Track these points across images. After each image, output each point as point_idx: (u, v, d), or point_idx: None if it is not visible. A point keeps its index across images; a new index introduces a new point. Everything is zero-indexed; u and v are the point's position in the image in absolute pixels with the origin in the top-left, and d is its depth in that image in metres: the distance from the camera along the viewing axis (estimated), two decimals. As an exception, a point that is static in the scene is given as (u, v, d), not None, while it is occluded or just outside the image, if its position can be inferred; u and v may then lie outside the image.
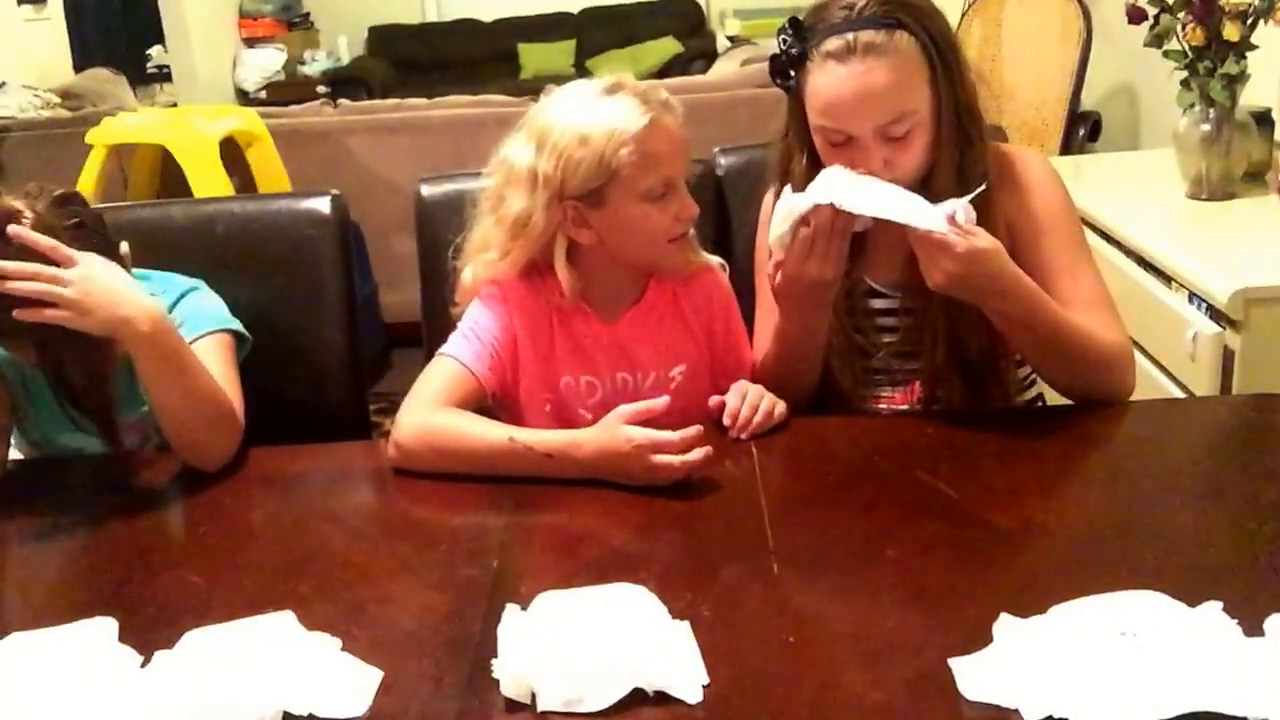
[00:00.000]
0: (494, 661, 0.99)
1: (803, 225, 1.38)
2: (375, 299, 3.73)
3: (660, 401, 1.34)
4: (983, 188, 1.37)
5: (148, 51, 6.93)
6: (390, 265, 3.64)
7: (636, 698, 0.95)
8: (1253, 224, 2.33)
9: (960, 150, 1.45)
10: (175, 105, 5.83)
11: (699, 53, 6.81)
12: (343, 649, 1.04)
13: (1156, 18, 2.36)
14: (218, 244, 1.76)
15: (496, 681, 0.97)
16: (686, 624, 1.03)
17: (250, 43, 7.14)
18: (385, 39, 7.40)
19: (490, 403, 1.53)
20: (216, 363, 1.50)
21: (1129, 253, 2.28)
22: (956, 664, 0.96)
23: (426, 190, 1.82)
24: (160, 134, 3.73)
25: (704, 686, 0.96)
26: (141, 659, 1.04)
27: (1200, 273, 2.02)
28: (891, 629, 1.05)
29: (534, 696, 0.96)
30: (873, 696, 0.95)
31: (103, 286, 1.35)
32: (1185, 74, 2.37)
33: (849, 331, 1.54)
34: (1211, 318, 1.98)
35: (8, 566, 1.33)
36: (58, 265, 1.33)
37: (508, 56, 7.26)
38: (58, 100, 4.98)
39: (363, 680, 1.00)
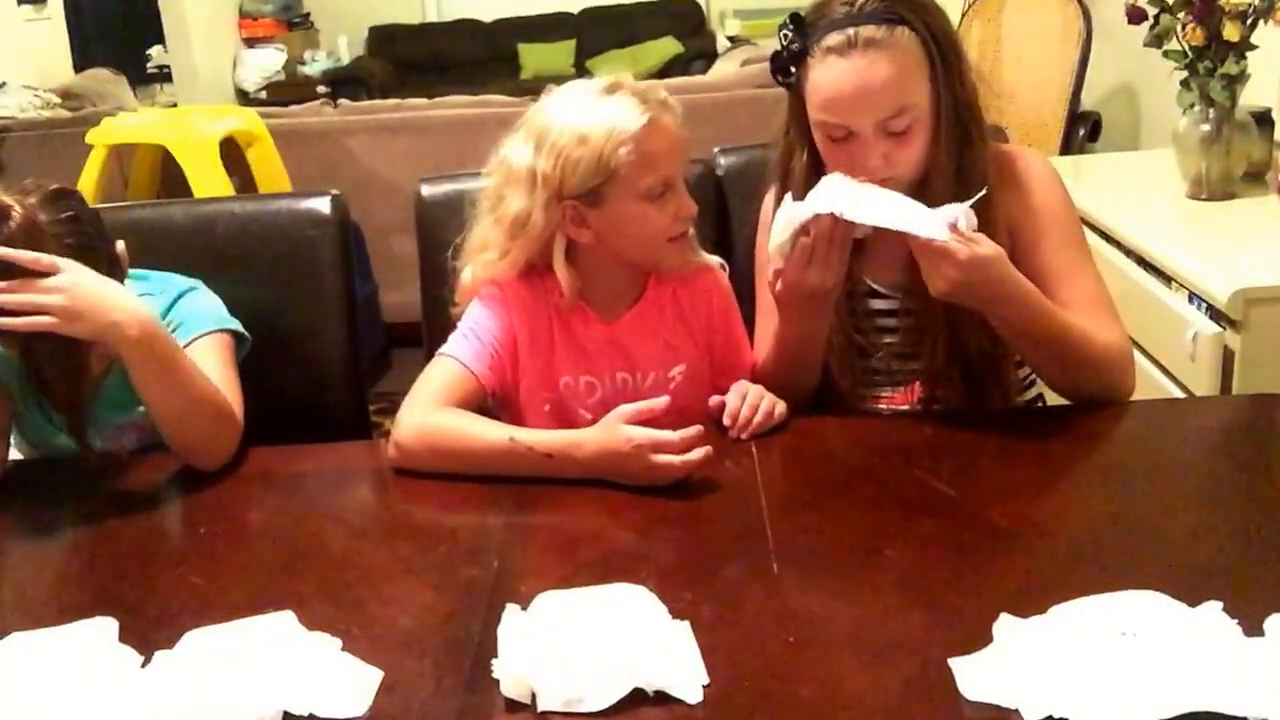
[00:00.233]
0: (494, 661, 0.99)
1: (802, 234, 1.38)
2: (375, 299, 3.73)
3: (660, 401, 1.34)
4: (983, 193, 1.37)
5: (148, 51, 6.93)
6: (390, 265, 3.64)
7: (636, 698, 0.95)
8: (1253, 224, 2.33)
9: (960, 149, 1.45)
10: (175, 105, 5.84)
11: (699, 53, 6.82)
12: (343, 649, 1.04)
13: (1156, 18, 2.36)
14: (218, 244, 1.76)
15: (496, 681, 0.97)
16: (686, 624, 1.03)
17: (250, 43, 7.14)
18: (385, 39, 7.40)
19: (490, 403, 1.53)
20: (215, 363, 1.50)
21: (1129, 253, 2.28)
22: (956, 664, 0.96)
23: (426, 190, 1.82)
24: (160, 134, 3.73)
25: (704, 686, 0.96)
26: (141, 659, 1.04)
27: (1200, 273, 2.02)
28: (891, 629, 1.05)
29: (534, 696, 0.96)
30: (873, 696, 0.95)
31: (91, 292, 1.35)
32: (1185, 74, 2.37)
33: (849, 332, 1.54)
34: (1211, 318, 1.98)
35: (8, 566, 1.33)
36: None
37: (508, 56, 7.27)
38: (58, 100, 4.98)
39: (363, 680, 1.00)
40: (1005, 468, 1.36)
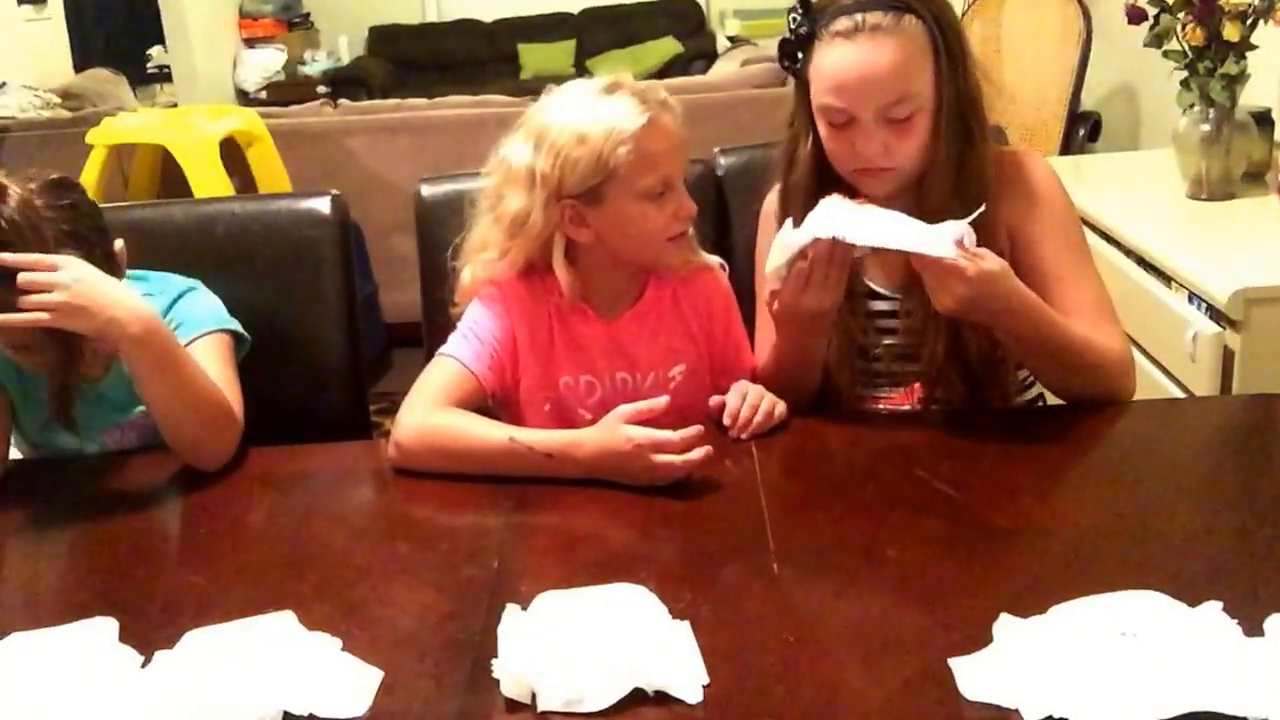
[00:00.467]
0: (494, 661, 0.99)
1: (800, 258, 1.38)
2: (375, 299, 3.73)
3: (660, 401, 1.34)
4: (981, 209, 1.37)
5: (148, 51, 6.93)
6: (390, 265, 3.64)
7: (636, 698, 0.95)
8: (1253, 224, 2.33)
9: (960, 147, 1.46)
10: (175, 105, 5.83)
11: (699, 53, 6.82)
12: (343, 649, 1.04)
13: (1156, 18, 2.36)
14: (218, 244, 1.76)
15: (496, 681, 0.97)
16: (686, 624, 1.03)
17: (250, 43, 7.14)
18: (385, 39, 7.40)
19: (490, 403, 1.53)
20: (214, 363, 1.50)
21: (1129, 253, 2.28)
22: (956, 664, 0.96)
23: (426, 190, 1.82)
24: (160, 134, 3.73)
25: (704, 686, 0.96)
26: (142, 659, 1.04)
27: (1200, 273, 2.02)
28: (891, 629, 1.05)
29: (534, 696, 0.96)
30: (873, 696, 0.95)
31: (93, 289, 1.35)
32: (1185, 74, 2.37)
33: (849, 332, 1.54)
34: (1211, 318, 1.98)
35: (8, 566, 1.33)
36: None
37: (508, 56, 7.26)
38: (58, 100, 4.98)
39: (363, 680, 1.00)
40: (1005, 468, 1.36)
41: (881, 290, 1.56)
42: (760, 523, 1.24)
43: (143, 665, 1.03)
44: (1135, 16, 2.41)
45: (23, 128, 4.23)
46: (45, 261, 1.33)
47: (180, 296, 1.57)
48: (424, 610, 1.12)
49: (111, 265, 1.45)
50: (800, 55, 1.45)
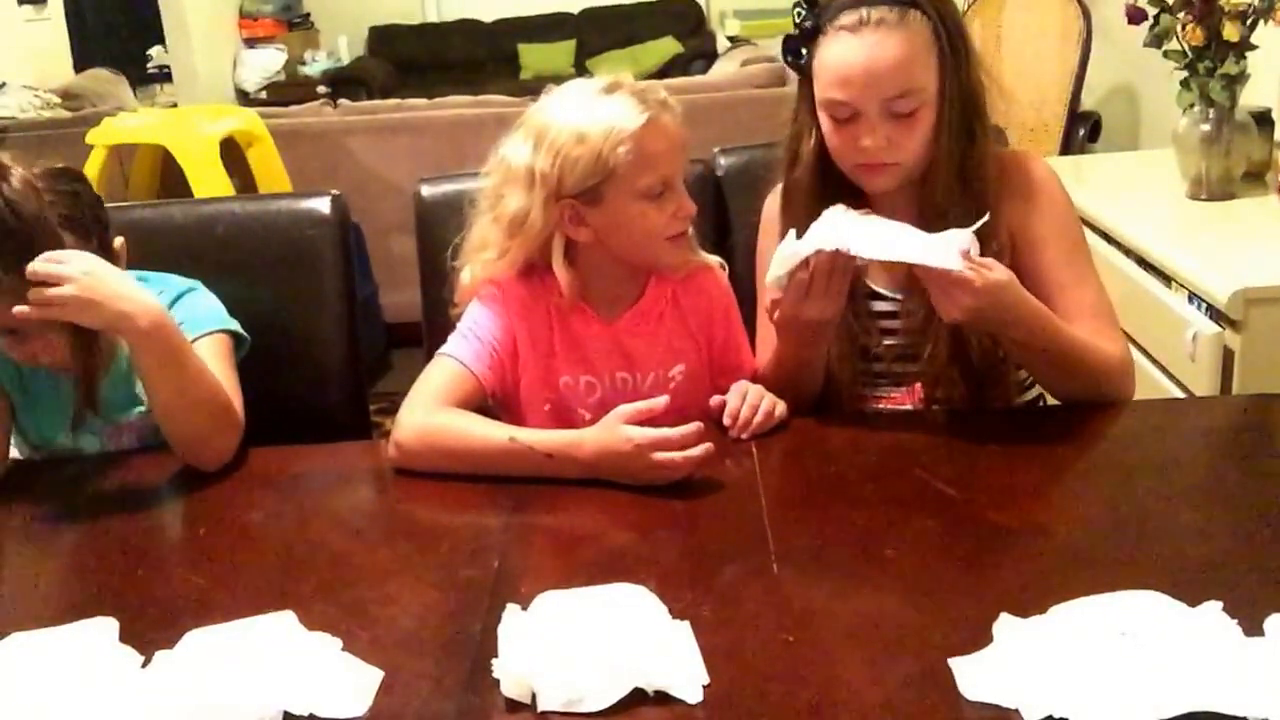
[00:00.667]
0: (494, 661, 0.99)
1: (800, 269, 1.38)
2: (375, 299, 3.73)
3: (660, 401, 1.34)
4: (986, 218, 1.37)
5: (148, 51, 6.93)
6: (390, 265, 3.65)
7: (636, 698, 0.95)
8: (1253, 224, 2.33)
9: (962, 144, 1.46)
10: (175, 105, 5.83)
11: (699, 53, 6.81)
12: (343, 649, 1.04)
13: (1156, 18, 2.36)
14: (218, 244, 1.76)
15: (496, 681, 0.97)
16: (686, 624, 1.03)
17: (250, 43, 7.14)
18: (385, 39, 7.40)
19: (490, 403, 1.53)
20: (215, 363, 1.50)
21: (1129, 253, 2.28)
22: (956, 664, 0.96)
23: (426, 190, 1.82)
24: (160, 134, 3.74)
25: (704, 686, 0.96)
26: (142, 659, 1.04)
27: (1200, 273, 2.02)
28: (891, 629, 1.05)
29: (534, 696, 0.96)
30: (873, 696, 0.95)
31: (103, 282, 1.35)
32: (1185, 74, 2.37)
33: (851, 333, 1.54)
34: (1211, 318, 1.98)
35: (8, 566, 1.33)
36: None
37: (508, 56, 7.26)
38: (58, 100, 4.99)
39: (363, 680, 1.00)
40: (1005, 468, 1.36)
41: (883, 291, 1.56)
42: (760, 523, 1.24)
43: (143, 665, 1.03)
44: (1135, 16, 2.41)
45: (23, 128, 4.24)
46: (57, 256, 1.34)
47: (180, 297, 1.57)
48: (424, 610, 1.12)
49: (110, 259, 1.45)
50: (804, 51, 1.46)
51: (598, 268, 1.52)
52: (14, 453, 1.58)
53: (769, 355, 1.55)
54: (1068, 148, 3.75)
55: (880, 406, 1.58)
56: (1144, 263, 2.21)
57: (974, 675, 0.95)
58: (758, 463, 1.38)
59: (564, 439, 1.36)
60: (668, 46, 7.02)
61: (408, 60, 7.23)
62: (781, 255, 1.39)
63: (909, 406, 1.56)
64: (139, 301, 1.38)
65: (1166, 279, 2.13)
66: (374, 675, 1.00)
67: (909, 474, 1.33)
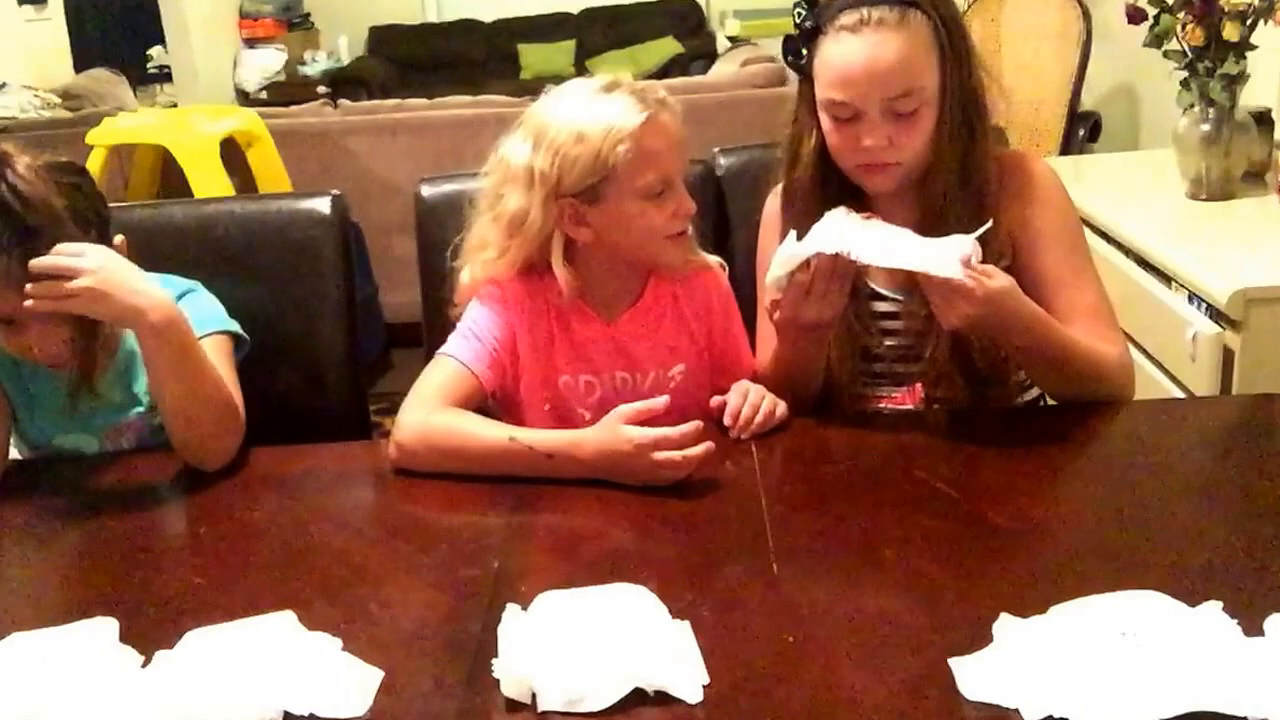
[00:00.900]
0: (494, 661, 0.99)
1: (801, 270, 1.38)
2: (375, 299, 3.73)
3: (660, 401, 1.34)
4: (988, 225, 1.38)
5: (148, 52, 6.93)
6: (390, 265, 3.64)
7: (636, 698, 0.95)
8: (1253, 224, 2.33)
9: (963, 144, 1.46)
10: (175, 105, 5.83)
11: (699, 53, 6.81)
12: (343, 649, 1.04)
13: (1156, 18, 2.36)
14: (218, 244, 1.76)
15: (496, 681, 0.97)
16: (686, 624, 1.03)
17: (250, 43, 7.13)
18: (385, 39, 7.40)
19: (490, 402, 1.53)
20: (215, 364, 1.50)
21: (1129, 253, 2.28)
22: (956, 664, 0.96)
23: (426, 190, 1.82)
24: (160, 134, 3.74)
25: (704, 686, 0.96)
26: (142, 659, 1.04)
27: (1200, 273, 2.02)
28: (891, 629, 1.05)
29: (534, 696, 0.96)
30: (872, 696, 0.95)
31: (116, 275, 1.36)
32: (1185, 74, 2.37)
33: (853, 332, 1.54)
34: (1211, 318, 1.98)
35: (8, 566, 1.33)
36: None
37: (508, 56, 7.26)
38: (58, 100, 4.99)
39: (363, 680, 1.00)
40: (1005, 468, 1.36)
41: (884, 291, 1.56)
42: (760, 523, 1.24)
43: (143, 665, 1.03)
44: (1135, 16, 2.41)
45: (23, 128, 4.24)
46: (70, 248, 1.34)
47: (180, 297, 1.57)
48: (424, 610, 1.12)
49: None
50: (805, 51, 1.46)
51: (597, 267, 1.52)
52: (14, 453, 1.58)
53: (769, 355, 1.55)
54: (1068, 148, 3.75)
55: (881, 406, 1.58)
56: (1144, 263, 2.21)
57: (974, 675, 0.95)
58: (758, 463, 1.38)
59: (564, 439, 1.36)
60: (668, 46, 7.02)
61: (408, 60, 7.22)
62: (782, 256, 1.39)
63: (909, 406, 1.56)
64: (151, 296, 1.39)
65: (1166, 279, 2.13)
66: (374, 675, 1.00)
67: (909, 474, 1.33)
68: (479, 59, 7.24)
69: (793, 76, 1.52)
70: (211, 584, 1.20)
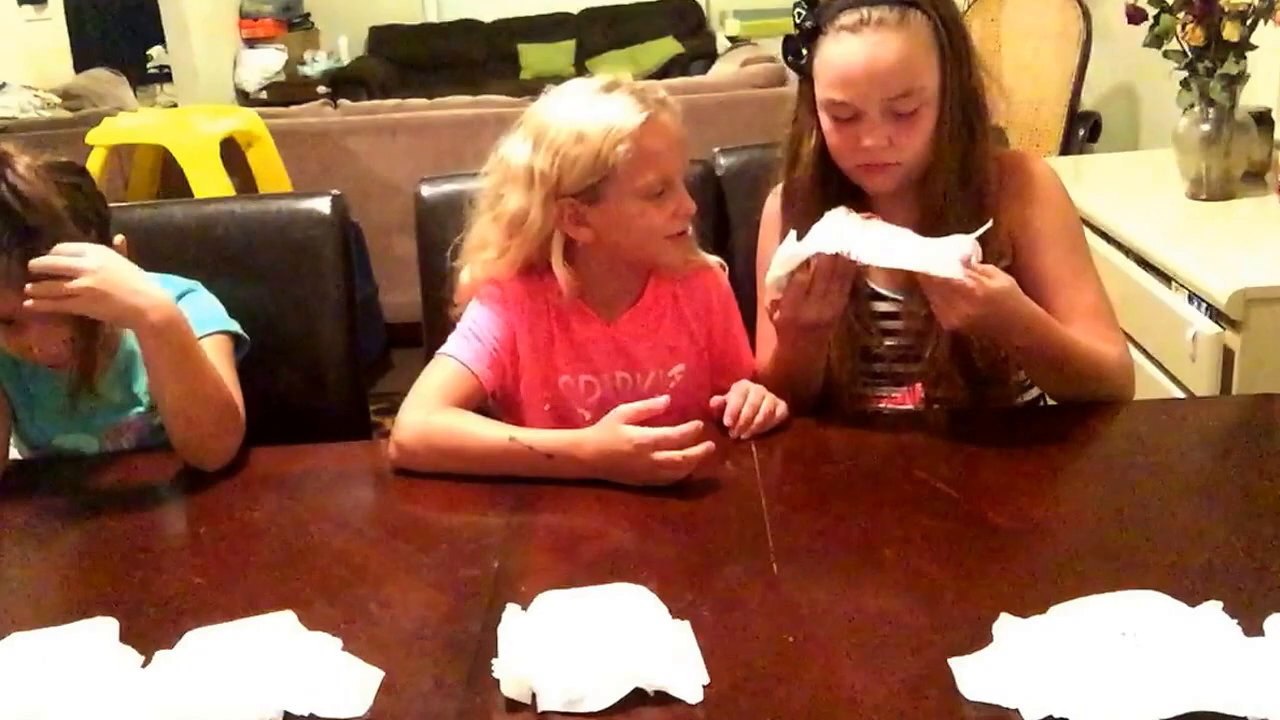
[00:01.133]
0: (494, 661, 0.99)
1: (801, 270, 1.38)
2: (375, 299, 3.73)
3: (660, 401, 1.34)
4: (988, 225, 1.38)
5: (148, 52, 6.93)
6: (390, 265, 3.64)
7: (636, 698, 0.95)
8: (1253, 224, 2.33)
9: (963, 144, 1.46)
10: (175, 105, 5.83)
11: (699, 53, 6.81)
12: (343, 649, 1.04)
13: (1156, 18, 2.36)
14: (218, 244, 1.76)
15: (496, 681, 0.97)
16: (687, 624, 1.03)
17: (250, 43, 7.13)
18: (385, 39, 7.40)
19: (490, 402, 1.53)
20: (215, 364, 1.50)
21: (1129, 253, 2.28)
22: (956, 664, 0.96)
23: (426, 190, 1.82)
24: (160, 134, 3.74)
25: (704, 686, 0.96)
26: (142, 659, 1.04)
27: (1200, 273, 2.02)
28: (891, 629, 1.05)
29: (534, 696, 0.96)
30: (872, 696, 0.95)
31: (115, 274, 1.36)
32: (1185, 74, 2.37)
33: (853, 332, 1.54)
34: (1211, 318, 1.98)
35: (8, 566, 1.33)
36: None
37: (508, 56, 7.26)
38: (58, 100, 4.99)
39: (363, 680, 1.00)
40: (1005, 468, 1.36)
41: (885, 291, 1.56)
42: (760, 523, 1.24)
43: (143, 665, 1.03)
44: (1135, 16, 2.41)
45: (23, 128, 4.24)
46: (70, 247, 1.34)
47: (180, 297, 1.57)
48: (424, 610, 1.12)
49: None
50: (805, 51, 1.46)
51: (597, 267, 1.52)
52: (14, 453, 1.58)
53: (769, 355, 1.55)
54: (1068, 148, 3.75)
55: (880, 406, 1.58)
56: (1144, 263, 2.21)
57: (974, 675, 0.95)
58: (758, 463, 1.38)
59: (564, 439, 1.36)
60: (668, 46, 7.02)
61: (408, 60, 7.22)
62: (782, 256, 1.39)
63: (909, 406, 1.56)
64: (151, 296, 1.39)
65: (1166, 279, 2.13)
66: (374, 675, 1.00)
67: (909, 474, 1.33)
68: (479, 59, 7.24)
69: (793, 76, 1.52)
70: (211, 584, 1.20)
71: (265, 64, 6.99)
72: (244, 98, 6.81)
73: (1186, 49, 2.33)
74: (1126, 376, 1.49)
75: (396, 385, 1.74)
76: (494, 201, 1.50)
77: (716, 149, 1.88)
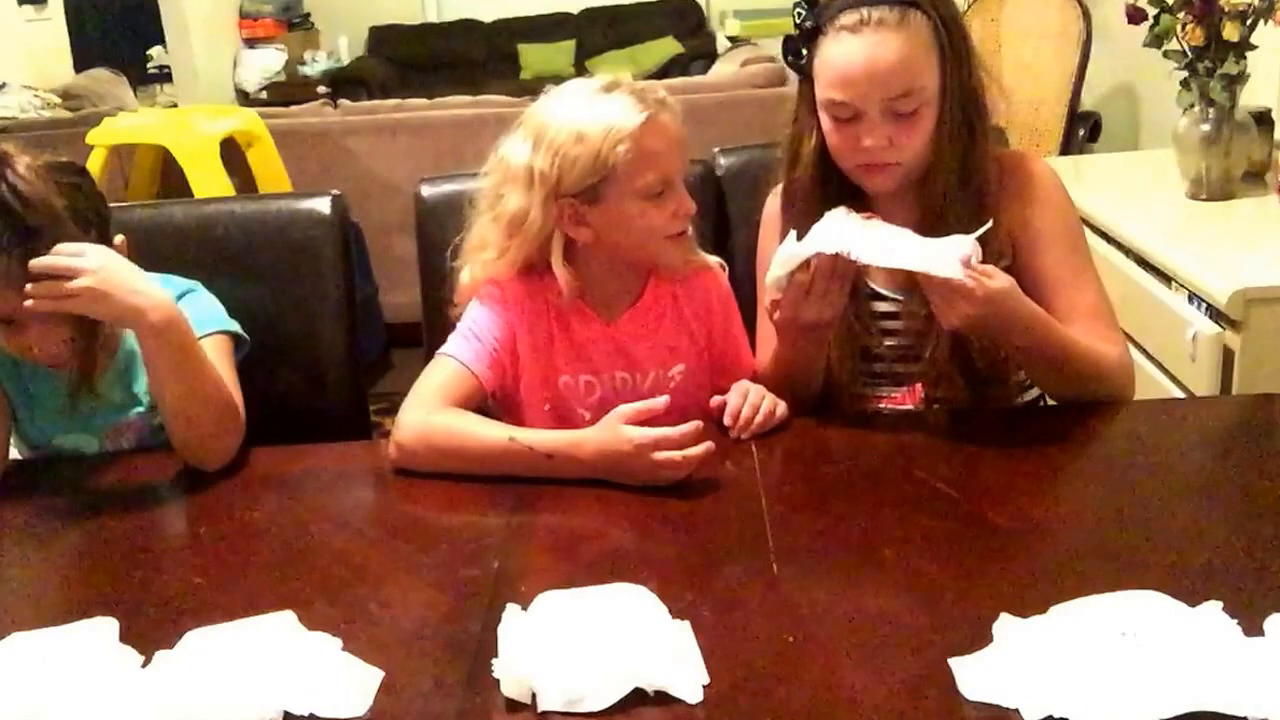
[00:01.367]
0: (494, 661, 0.99)
1: (801, 270, 1.38)
2: (375, 299, 3.73)
3: (660, 401, 1.34)
4: (989, 225, 1.38)
5: (148, 52, 6.93)
6: (390, 265, 3.64)
7: (636, 698, 0.95)
8: (1252, 224, 2.33)
9: (963, 144, 1.46)
10: (175, 105, 5.83)
11: (699, 53, 6.81)
12: (343, 649, 1.04)
13: (1156, 18, 2.36)
14: (218, 244, 1.76)
15: (496, 681, 0.97)
16: (687, 624, 1.03)
17: (250, 43, 7.13)
18: (385, 39, 7.40)
19: (490, 402, 1.53)
20: (215, 364, 1.50)
21: (1129, 253, 2.28)
22: (956, 664, 0.96)
23: (426, 190, 1.82)
24: (160, 134, 3.74)
25: (704, 686, 0.96)
26: (142, 659, 1.04)
27: (1200, 273, 2.02)
28: (891, 629, 1.05)
29: (534, 696, 0.96)
30: (872, 696, 0.95)
31: (115, 274, 1.36)
32: (1185, 74, 2.37)
33: (853, 332, 1.54)
34: (1211, 318, 1.98)
35: (8, 566, 1.33)
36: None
37: (508, 56, 7.26)
38: (58, 100, 4.99)
39: (363, 680, 1.00)
40: (1005, 468, 1.36)
41: (884, 291, 1.56)
42: (760, 523, 1.24)
43: (143, 665, 1.03)
44: (1135, 16, 2.41)
45: (23, 128, 4.24)
46: (70, 247, 1.34)
47: (180, 297, 1.57)
48: (424, 610, 1.12)
49: None
50: (805, 51, 1.46)
51: (597, 267, 1.52)
52: (14, 453, 1.58)
53: (769, 355, 1.55)
54: (1068, 148, 3.75)
55: (880, 406, 1.58)
56: (1144, 263, 2.21)
57: (974, 675, 0.95)
58: (758, 463, 1.38)
59: (564, 439, 1.36)
60: (668, 46, 7.02)
61: (408, 60, 7.22)
62: (782, 256, 1.39)
63: (909, 406, 1.56)
64: (151, 296, 1.39)
65: (1166, 279, 2.13)
66: (374, 675, 1.00)
67: (909, 474, 1.33)
68: (479, 59, 7.24)
69: (793, 76, 1.52)
70: (211, 584, 1.20)
71: (265, 64, 6.99)
72: (244, 98, 6.81)
73: (1186, 49, 2.33)
74: (1126, 376, 1.49)
75: (396, 385, 1.74)
76: (494, 201, 1.50)
77: (716, 149, 1.88)
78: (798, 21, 1.45)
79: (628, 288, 1.56)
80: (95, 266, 1.34)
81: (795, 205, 1.53)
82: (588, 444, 1.34)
